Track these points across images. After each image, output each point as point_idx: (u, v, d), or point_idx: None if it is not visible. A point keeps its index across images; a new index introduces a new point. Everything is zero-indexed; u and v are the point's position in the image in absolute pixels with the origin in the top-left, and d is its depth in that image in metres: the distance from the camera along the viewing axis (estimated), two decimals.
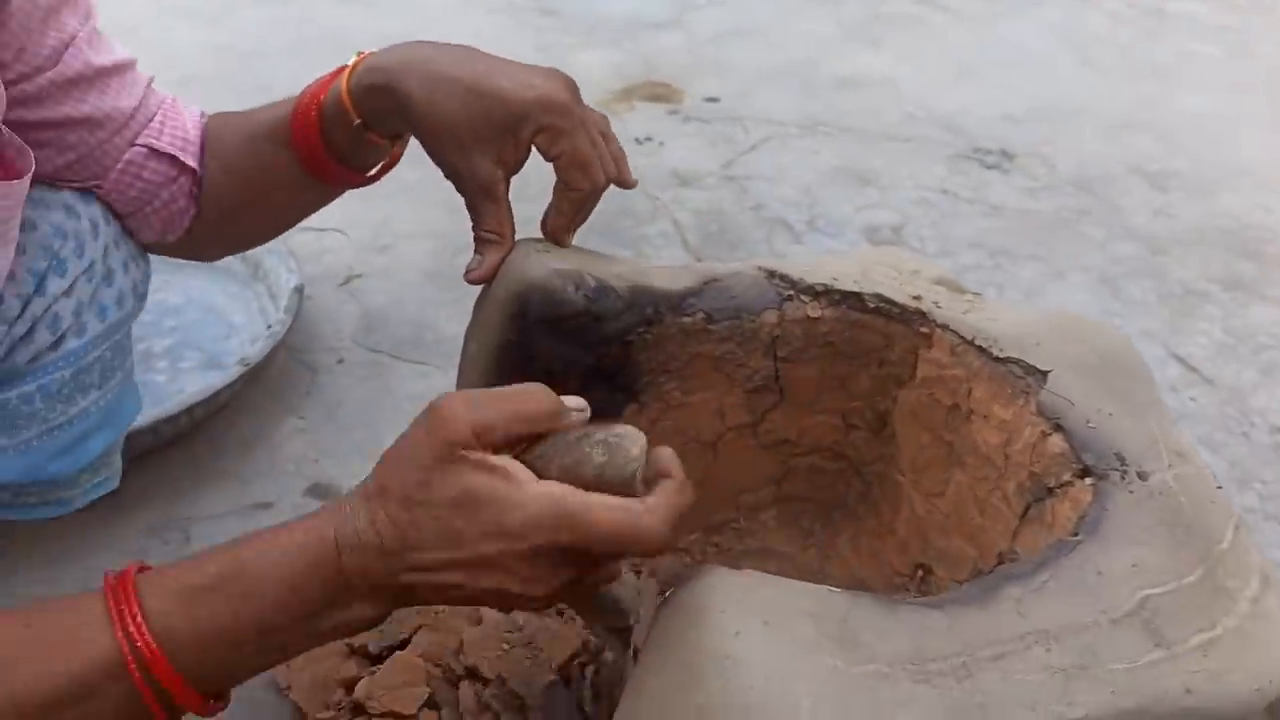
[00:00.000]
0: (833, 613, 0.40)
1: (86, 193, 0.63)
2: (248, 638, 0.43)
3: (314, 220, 1.25)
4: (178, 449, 0.91)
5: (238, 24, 1.79)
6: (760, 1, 2.02)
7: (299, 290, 0.99)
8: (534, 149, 0.60)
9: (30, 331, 0.60)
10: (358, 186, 0.69)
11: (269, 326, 0.96)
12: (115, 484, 0.71)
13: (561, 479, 0.43)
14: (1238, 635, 0.42)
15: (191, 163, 0.66)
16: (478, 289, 0.63)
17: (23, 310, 0.59)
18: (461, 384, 0.65)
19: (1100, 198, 1.38)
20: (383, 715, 0.58)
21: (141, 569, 0.44)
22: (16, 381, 0.61)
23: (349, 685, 0.62)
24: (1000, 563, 0.55)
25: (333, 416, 0.97)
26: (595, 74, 1.68)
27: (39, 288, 0.60)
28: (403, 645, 0.65)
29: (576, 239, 0.65)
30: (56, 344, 0.61)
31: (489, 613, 0.68)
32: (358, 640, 0.65)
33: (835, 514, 0.73)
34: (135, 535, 0.84)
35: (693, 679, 0.38)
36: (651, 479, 0.44)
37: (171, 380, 0.98)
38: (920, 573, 0.65)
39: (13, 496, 0.65)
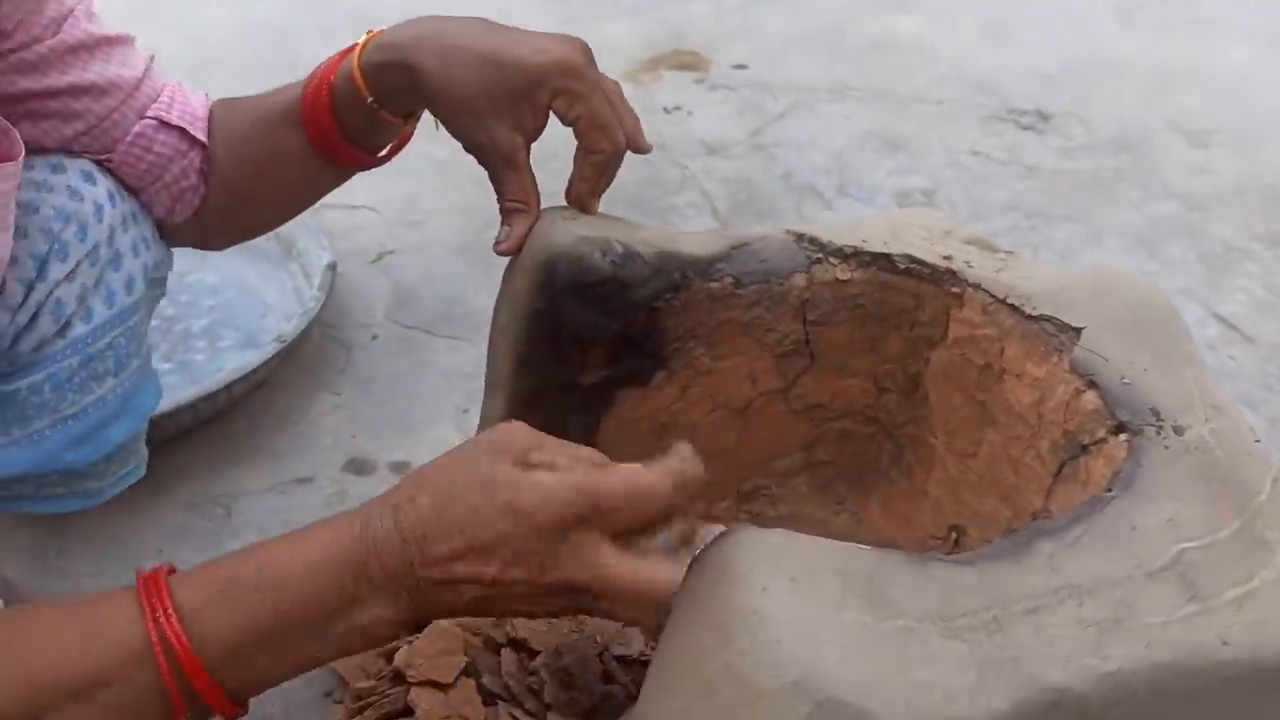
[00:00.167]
0: (861, 570, 0.40)
1: (91, 175, 0.62)
2: (271, 632, 0.43)
3: (345, 198, 1.26)
4: (217, 426, 0.93)
5: (264, 5, 1.80)
6: None
7: (332, 267, 1.00)
8: (552, 115, 0.60)
9: (34, 319, 0.59)
10: (369, 168, 0.69)
11: (304, 304, 0.97)
12: (142, 472, 0.72)
13: None
14: (1275, 588, 0.42)
15: (201, 137, 0.66)
16: (507, 263, 0.64)
17: (25, 297, 0.59)
18: (491, 354, 0.66)
19: (1138, 157, 1.36)
20: (421, 683, 0.59)
21: (171, 570, 0.45)
22: (24, 371, 0.60)
23: (389, 655, 0.63)
24: (1035, 521, 0.55)
25: (367, 391, 0.98)
26: (622, 44, 1.67)
27: (40, 273, 0.59)
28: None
29: (604, 209, 0.65)
30: (62, 331, 0.60)
31: None
32: None
33: (868, 478, 0.72)
34: (177, 512, 0.86)
35: (721, 635, 0.38)
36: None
37: (210, 359, 0.99)
38: (954, 535, 0.65)
39: (36, 488, 0.66)
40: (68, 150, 0.63)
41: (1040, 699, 0.38)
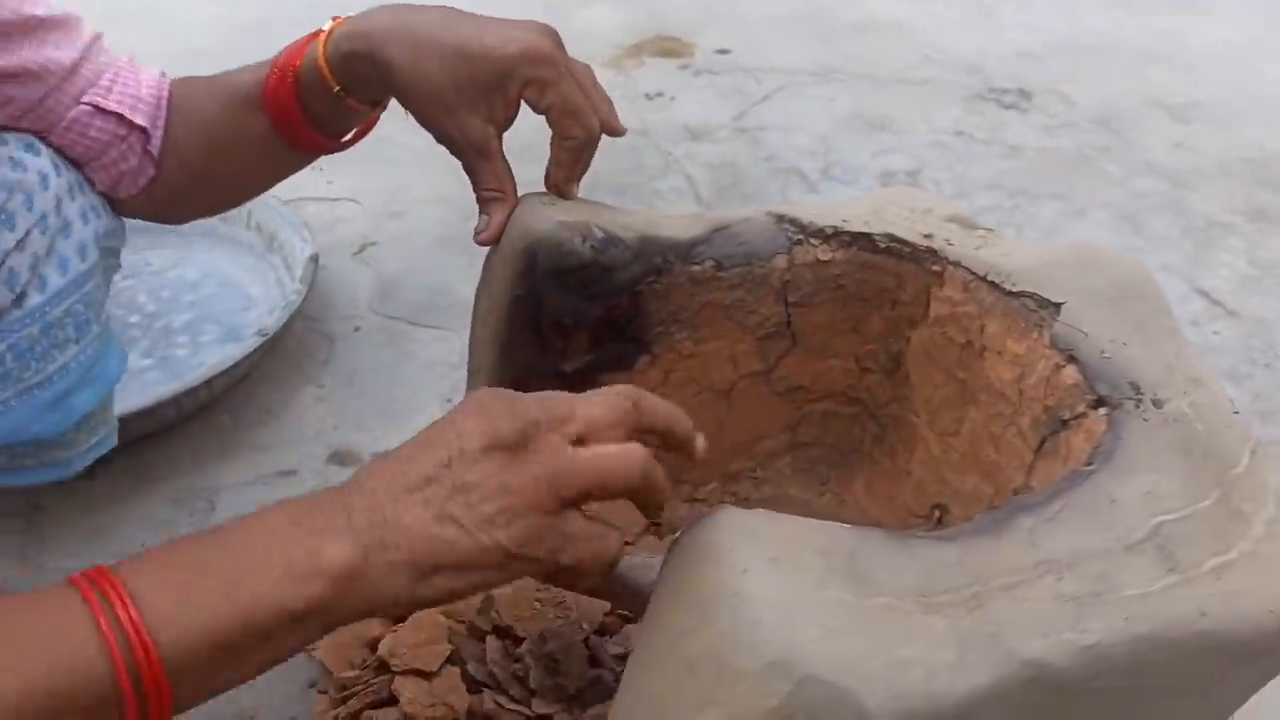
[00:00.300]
0: (842, 548, 0.40)
1: (33, 145, 0.62)
2: (222, 593, 0.39)
3: (326, 190, 1.26)
4: (200, 421, 0.92)
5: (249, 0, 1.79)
6: None
7: (314, 260, 0.99)
8: (524, 104, 0.59)
9: None
10: (333, 152, 0.69)
11: (286, 297, 0.96)
12: (113, 441, 0.71)
13: None
14: (1252, 558, 0.42)
15: (141, 121, 0.65)
16: (488, 251, 0.63)
17: None
18: (473, 342, 0.66)
19: (1121, 134, 1.36)
20: (405, 672, 0.59)
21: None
22: None
23: (373, 644, 0.63)
24: (1016, 497, 0.55)
25: (351, 383, 0.98)
26: (604, 30, 1.66)
27: None
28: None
29: (588, 196, 0.65)
30: (19, 300, 0.60)
31: None
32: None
33: (851, 458, 0.72)
34: (161, 506, 0.86)
35: (702, 616, 0.38)
36: None
37: (192, 354, 0.99)
38: (937, 513, 0.65)
39: (8, 460, 0.66)
40: (5, 129, 0.62)
41: (1020, 674, 0.38)
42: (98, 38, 0.66)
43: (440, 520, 0.41)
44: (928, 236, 0.63)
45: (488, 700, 0.59)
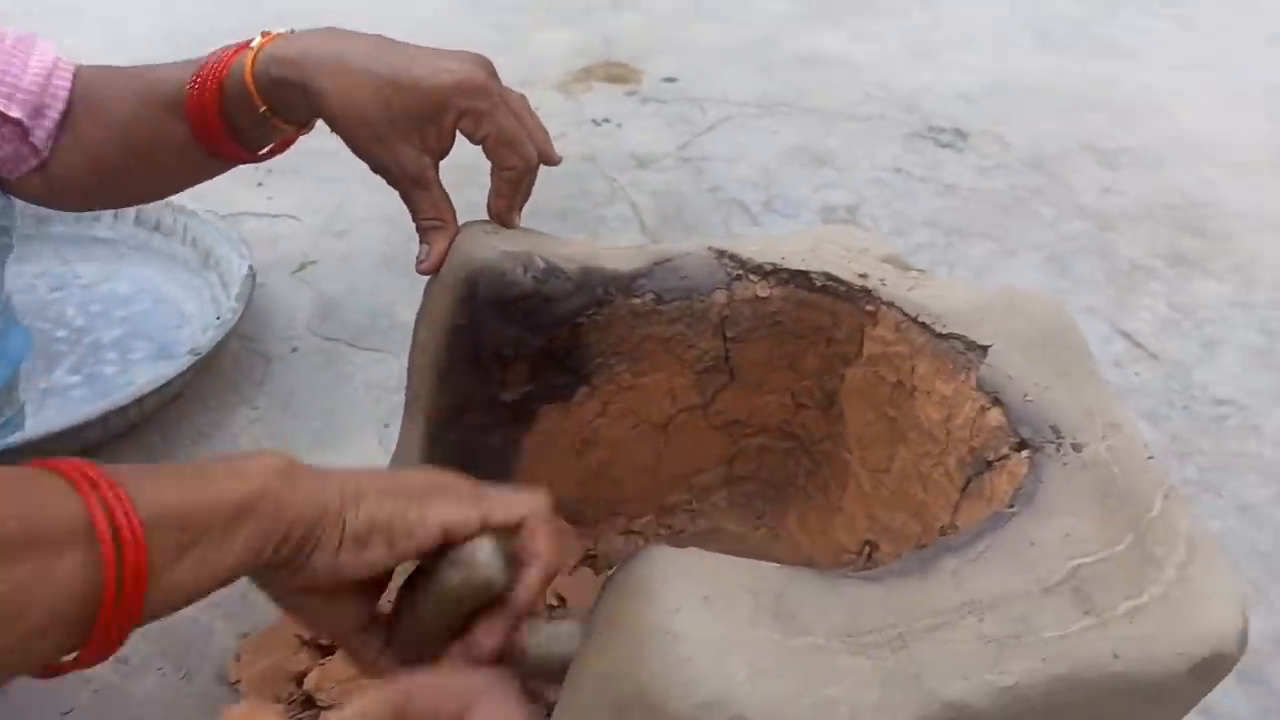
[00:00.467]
0: (771, 587, 0.41)
1: None
2: (181, 483, 0.40)
3: (267, 206, 1.24)
4: (130, 441, 0.90)
5: (187, 6, 1.76)
6: None
7: (251, 277, 0.98)
8: (460, 134, 0.60)
9: None
10: (251, 163, 0.68)
11: (221, 315, 0.95)
12: (22, 425, 0.69)
13: (427, 605, 0.46)
14: (1164, 602, 0.43)
15: (16, 114, 0.63)
16: (431, 280, 0.63)
17: None
18: (411, 369, 0.65)
19: (1052, 176, 1.40)
20: (331, 707, 0.58)
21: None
22: None
23: (299, 678, 0.62)
24: (943, 536, 0.56)
25: (287, 405, 0.97)
26: (554, 54, 1.67)
27: None
28: None
29: (533, 222, 0.65)
30: None
31: None
32: (307, 632, 0.65)
33: (785, 493, 0.74)
34: None
35: (635, 655, 0.38)
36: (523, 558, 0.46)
37: (121, 371, 0.97)
38: (867, 549, 0.67)
39: None
40: None
41: (941, 715, 0.39)
42: None
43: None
44: (863, 276, 0.64)
45: None
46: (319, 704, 0.59)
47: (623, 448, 0.70)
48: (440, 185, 0.60)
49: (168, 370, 0.88)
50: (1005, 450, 0.52)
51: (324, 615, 0.47)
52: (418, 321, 0.64)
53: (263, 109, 0.60)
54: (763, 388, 0.70)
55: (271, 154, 0.67)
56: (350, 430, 0.94)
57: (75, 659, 0.38)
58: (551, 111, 1.49)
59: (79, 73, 0.66)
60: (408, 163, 0.58)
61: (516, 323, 0.60)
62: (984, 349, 0.57)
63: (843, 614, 0.41)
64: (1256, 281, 1.20)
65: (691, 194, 1.35)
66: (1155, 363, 1.07)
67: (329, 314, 1.08)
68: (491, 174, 0.61)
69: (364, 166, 0.61)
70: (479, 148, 0.61)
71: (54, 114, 0.65)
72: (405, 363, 0.67)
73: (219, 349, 0.92)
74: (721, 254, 0.67)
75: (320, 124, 0.66)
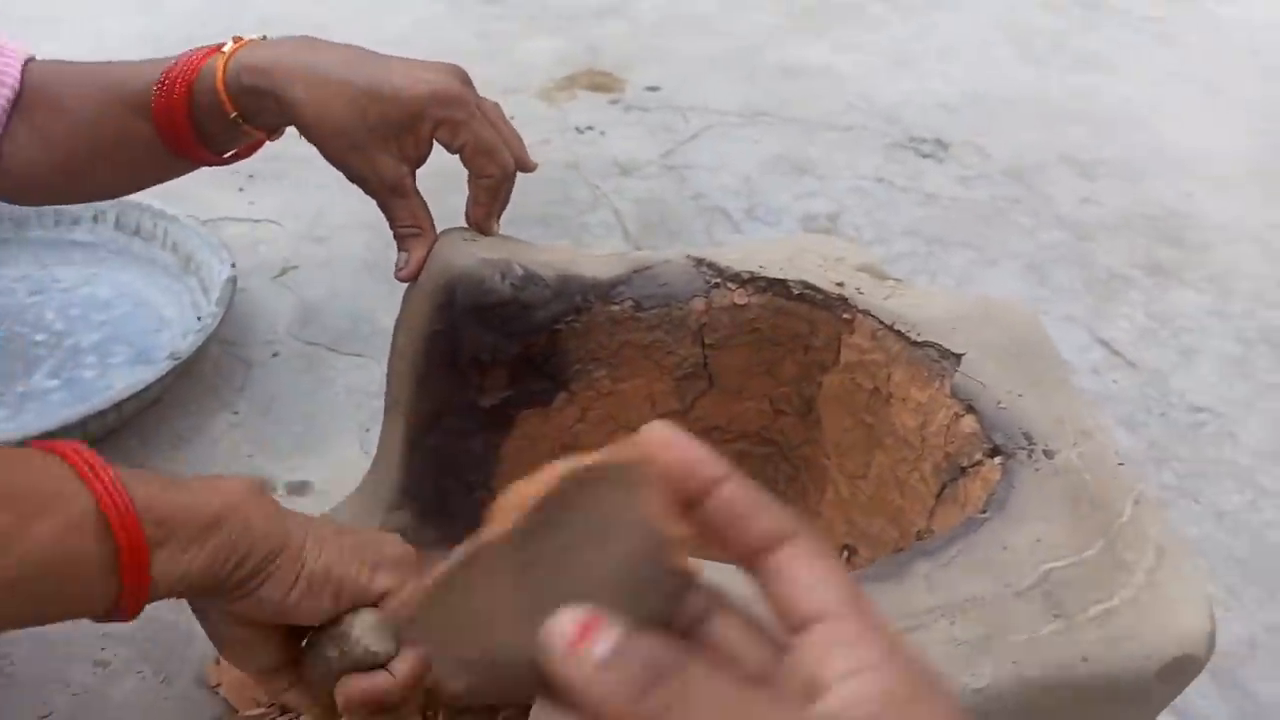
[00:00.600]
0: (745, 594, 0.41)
1: None
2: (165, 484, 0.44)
3: (249, 211, 1.24)
4: (109, 446, 0.90)
5: (169, 12, 1.76)
6: None
7: (231, 282, 0.98)
8: (437, 143, 0.60)
9: None
10: (217, 165, 0.68)
11: (200, 319, 0.95)
12: None
13: (314, 670, 0.49)
14: (1133, 606, 0.44)
15: None
16: (409, 286, 0.64)
17: None
18: (390, 375, 0.66)
19: (1031, 186, 1.41)
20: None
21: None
22: None
23: None
24: (919, 540, 0.57)
25: (268, 410, 0.96)
26: (538, 62, 1.67)
27: None
28: None
29: (516, 229, 0.65)
30: None
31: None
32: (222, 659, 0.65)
33: None
34: None
35: None
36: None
37: (101, 376, 0.96)
38: (846, 554, 0.67)
39: None
40: None
41: None
42: None
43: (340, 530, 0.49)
44: (839, 285, 0.65)
45: None
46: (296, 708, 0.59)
47: None
48: (418, 193, 0.61)
49: (147, 375, 0.87)
50: (979, 456, 0.53)
51: (249, 649, 0.49)
52: (397, 327, 0.64)
53: (233, 115, 0.60)
54: (742, 394, 0.71)
55: (237, 157, 0.68)
56: (331, 435, 0.94)
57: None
58: (535, 119, 1.49)
59: (35, 65, 0.66)
60: (385, 172, 0.59)
61: (494, 329, 0.61)
62: (958, 357, 0.58)
63: None
64: (1233, 291, 1.22)
65: (674, 201, 1.35)
66: (1133, 370, 1.08)
67: (310, 319, 1.08)
68: (469, 182, 0.61)
69: None
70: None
71: (3, 110, 0.64)
72: (386, 368, 0.67)
73: (199, 354, 0.92)
74: (700, 262, 0.67)
75: None
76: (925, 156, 1.48)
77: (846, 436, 0.66)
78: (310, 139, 0.60)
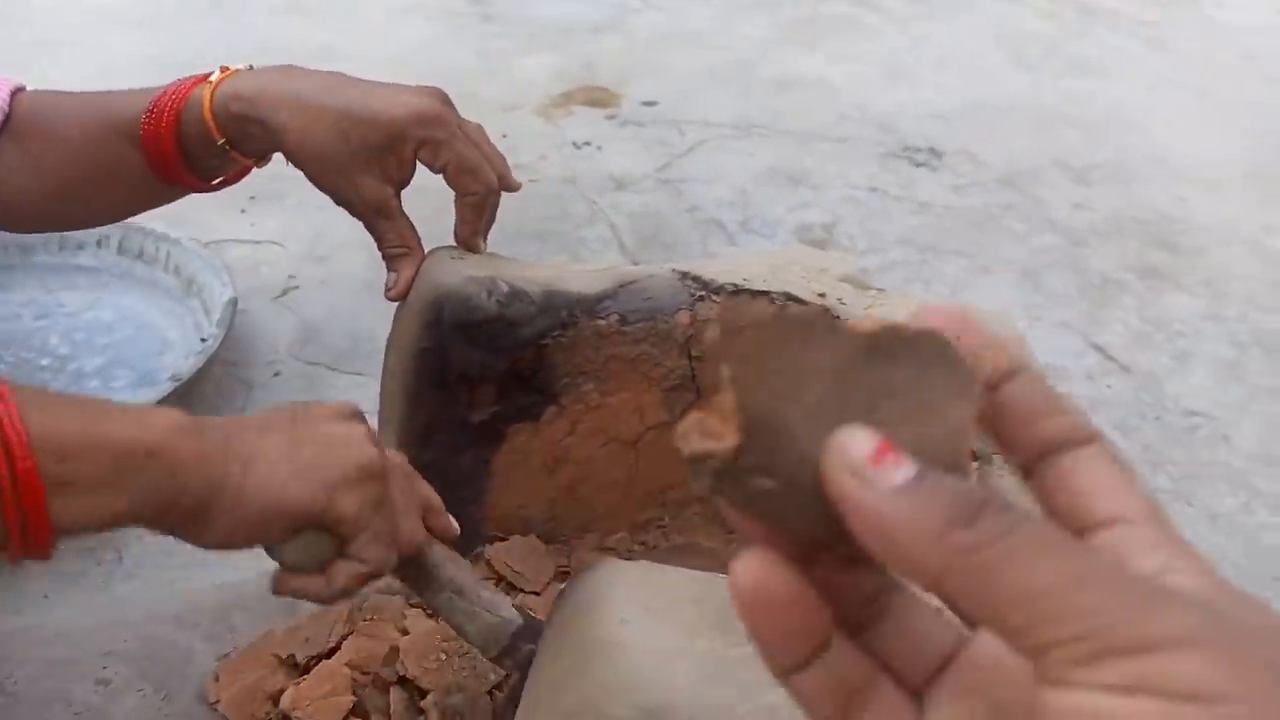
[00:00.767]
0: (715, 598, 0.42)
1: None
2: (83, 417, 0.41)
3: (250, 232, 1.26)
4: None
5: (173, 35, 1.78)
6: (698, 5, 2.05)
7: (232, 303, 1.00)
8: (421, 164, 0.62)
9: None
10: (205, 192, 0.70)
11: (202, 340, 0.96)
12: None
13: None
14: None
15: None
16: (399, 306, 0.65)
17: None
18: (383, 394, 0.67)
19: (1024, 192, 1.42)
20: None
21: None
22: None
23: (275, 696, 0.63)
24: None
25: None
26: (536, 79, 1.69)
27: None
28: (330, 654, 0.66)
29: (514, 244, 0.67)
30: None
31: (420, 621, 0.70)
32: (284, 650, 0.66)
33: None
34: (71, 556, 0.84)
35: (582, 665, 0.39)
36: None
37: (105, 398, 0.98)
38: None
39: None
40: None
41: None
42: None
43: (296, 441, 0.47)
44: (821, 295, 0.66)
45: None
46: None
47: (593, 465, 0.72)
48: (404, 214, 0.62)
49: (149, 396, 0.89)
50: None
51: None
52: (388, 346, 0.66)
53: (220, 141, 0.62)
54: None
55: (225, 184, 0.69)
56: None
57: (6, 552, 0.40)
58: (533, 135, 1.51)
59: (26, 95, 0.68)
60: (369, 193, 0.60)
61: (481, 345, 0.62)
62: None
63: None
64: (1227, 295, 1.22)
65: (670, 215, 1.36)
66: (1127, 375, 1.09)
67: (311, 338, 1.09)
68: (454, 202, 0.63)
69: None
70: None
71: None
72: None
73: (201, 375, 0.94)
74: (685, 276, 0.68)
75: None
76: (919, 165, 1.49)
77: None
78: (296, 163, 0.61)
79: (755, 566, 0.23)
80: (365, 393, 1.02)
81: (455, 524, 0.56)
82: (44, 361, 1.01)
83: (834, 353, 0.23)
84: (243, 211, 1.29)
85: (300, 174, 0.72)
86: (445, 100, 0.62)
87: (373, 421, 0.70)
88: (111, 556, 0.85)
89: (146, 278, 1.09)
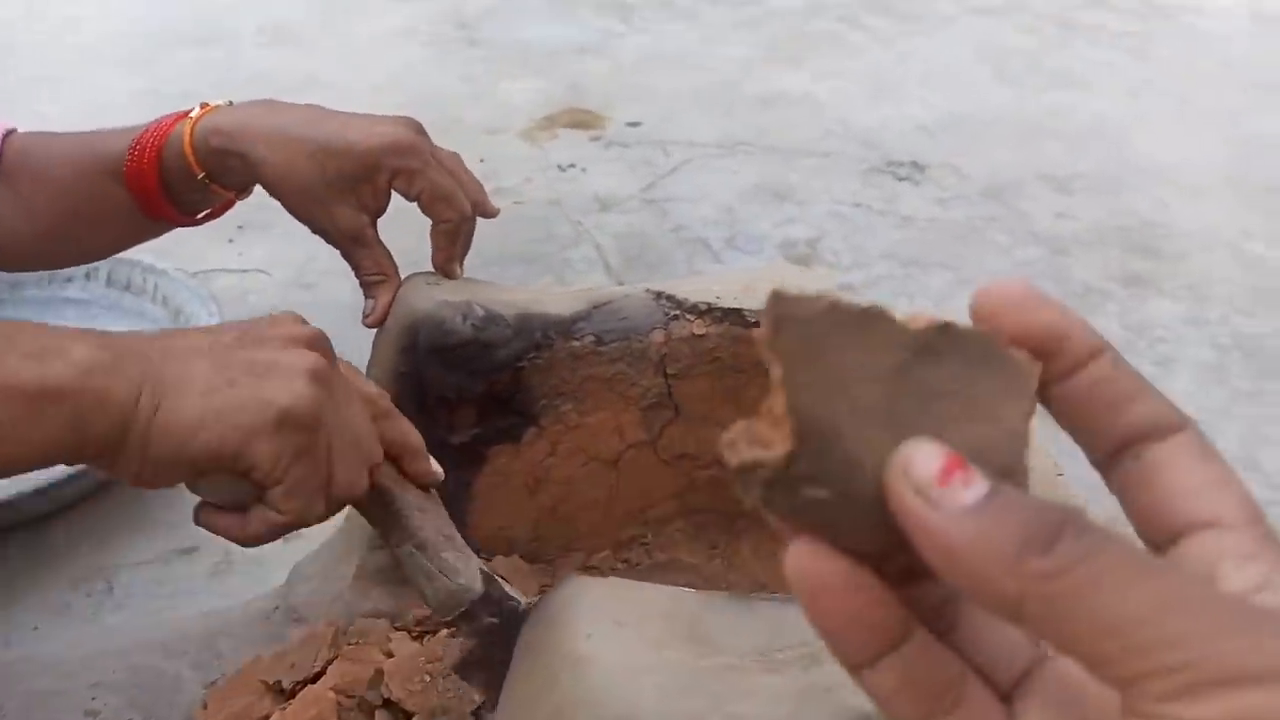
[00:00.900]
0: (686, 612, 0.43)
1: None
2: None
3: (237, 261, 1.27)
4: (106, 498, 0.92)
5: (163, 69, 1.80)
6: (683, 27, 2.07)
7: None
8: (396, 194, 0.63)
9: None
10: (191, 225, 0.71)
11: None
12: None
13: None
14: None
15: None
16: (378, 332, 0.66)
17: None
18: None
19: (1007, 204, 1.44)
20: None
21: None
22: None
23: None
24: None
25: None
26: (520, 102, 1.71)
27: None
28: (316, 679, 0.67)
29: (499, 267, 0.68)
30: None
31: (405, 644, 0.70)
32: (271, 676, 0.67)
33: (738, 523, 0.75)
34: (59, 588, 0.85)
35: (550, 680, 0.40)
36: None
37: None
38: None
39: None
40: None
41: None
42: None
43: (221, 372, 0.43)
44: None
45: None
46: None
47: (575, 485, 0.72)
48: (380, 242, 0.63)
49: None
50: None
51: None
52: (367, 372, 0.66)
53: (201, 176, 0.63)
54: (708, 421, 0.72)
55: (210, 217, 0.71)
56: None
57: None
58: (518, 159, 1.53)
59: (17, 137, 0.69)
60: (345, 222, 0.61)
61: (457, 369, 0.63)
62: None
63: (758, 635, 0.43)
64: (1209, 298, 1.23)
65: (655, 234, 1.37)
66: None
67: None
68: (430, 229, 0.64)
69: None
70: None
71: None
72: None
73: None
74: (659, 295, 0.69)
75: None
76: (902, 180, 1.50)
77: None
78: (274, 195, 0.62)
79: (807, 552, 0.21)
80: None
81: (437, 468, 0.52)
82: None
83: (885, 350, 0.22)
84: (230, 241, 1.30)
85: None
86: (419, 130, 0.63)
87: None
88: (101, 587, 0.85)
89: (135, 309, 1.10)
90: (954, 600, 0.23)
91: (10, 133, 0.71)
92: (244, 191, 0.68)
